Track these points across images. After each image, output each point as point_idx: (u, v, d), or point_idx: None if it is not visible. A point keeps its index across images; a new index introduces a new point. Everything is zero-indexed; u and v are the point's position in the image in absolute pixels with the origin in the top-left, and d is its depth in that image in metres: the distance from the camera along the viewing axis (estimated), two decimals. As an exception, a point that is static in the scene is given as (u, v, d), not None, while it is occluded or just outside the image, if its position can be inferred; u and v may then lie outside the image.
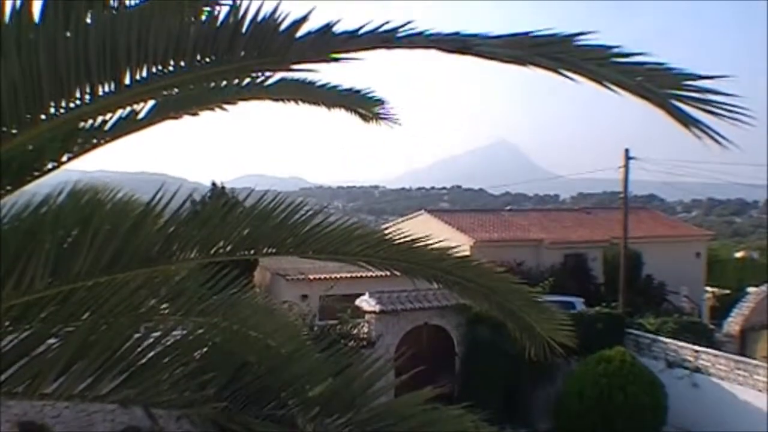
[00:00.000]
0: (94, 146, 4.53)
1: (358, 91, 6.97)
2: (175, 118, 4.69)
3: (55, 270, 4.31)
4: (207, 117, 5.00)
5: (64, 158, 4.53)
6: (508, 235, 36.70)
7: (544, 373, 23.00)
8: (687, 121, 2.68)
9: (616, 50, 2.95)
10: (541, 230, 37.90)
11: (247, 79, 4.69)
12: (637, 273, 33.44)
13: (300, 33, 3.30)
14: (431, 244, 5.59)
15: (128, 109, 4.24)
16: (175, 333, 5.04)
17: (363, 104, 7.31)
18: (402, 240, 5.49)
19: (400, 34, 3.14)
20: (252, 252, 5.05)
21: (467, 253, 6.29)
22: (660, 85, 2.79)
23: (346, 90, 6.66)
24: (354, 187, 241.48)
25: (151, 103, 4.37)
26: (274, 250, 5.12)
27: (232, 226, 4.86)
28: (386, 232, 5.67)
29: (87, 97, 3.60)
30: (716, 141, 2.61)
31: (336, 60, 3.32)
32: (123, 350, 4.48)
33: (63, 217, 4.56)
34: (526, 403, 24.01)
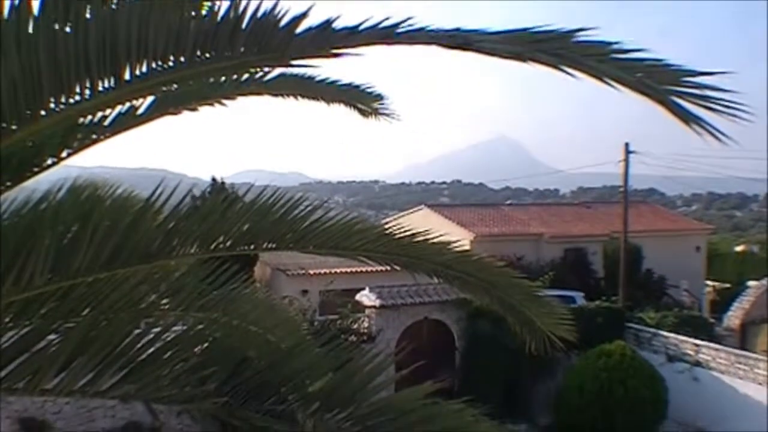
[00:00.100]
0: (94, 142, 4.53)
1: (357, 87, 6.97)
2: (175, 113, 4.69)
3: (55, 266, 4.31)
4: (206, 112, 5.01)
5: (64, 154, 4.53)
6: (508, 230, 36.72)
7: (544, 367, 23.02)
8: (687, 117, 2.68)
9: (615, 46, 2.95)
10: (541, 224, 37.91)
11: (246, 75, 4.69)
12: (637, 267, 33.47)
13: (300, 29, 3.29)
14: (431, 239, 5.60)
15: (128, 104, 4.24)
16: (175, 328, 5.04)
17: (362, 99, 7.31)
18: (402, 235, 5.49)
19: (400, 30, 3.14)
20: (252, 247, 5.05)
21: (467, 247, 6.30)
22: (660, 82, 2.79)
23: (345, 85, 6.66)
24: (354, 182, 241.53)
25: (150, 98, 4.36)
26: (274, 245, 5.12)
27: (232, 222, 4.86)
28: (386, 226, 5.67)
29: (87, 92, 3.59)
30: (716, 137, 2.62)
31: (336, 56, 3.32)
32: (123, 346, 4.48)
33: (63, 213, 4.56)
34: (526, 397, 24.04)
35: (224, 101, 4.87)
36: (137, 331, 4.71)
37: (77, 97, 3.61)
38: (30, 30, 3.41)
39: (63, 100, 3.62)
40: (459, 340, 24.42)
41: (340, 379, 4.65)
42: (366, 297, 23.61)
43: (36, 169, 4.52)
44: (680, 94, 2.73)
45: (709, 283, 38.60)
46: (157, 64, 3.49)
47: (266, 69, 4.51)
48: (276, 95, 5.85)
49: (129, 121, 4.42)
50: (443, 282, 6.22)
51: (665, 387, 22.00)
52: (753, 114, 2.63)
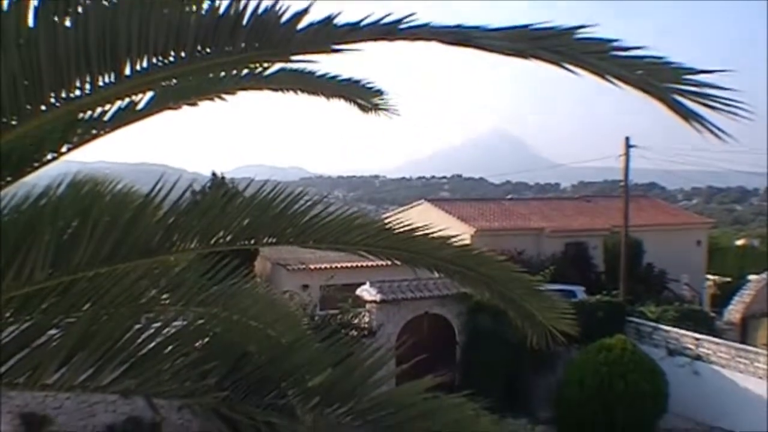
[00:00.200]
0: (94, 137, 4.53)
1: (357, 82, 6.96)
2: (175, 108, 4.69)
3: (56, 261, 4.31)
4: (206, 107, 5.01)
5: (64, 149, 4.53)
6: (509, 224, 36.70)
7: (544, 361, 23.05)
8: (687, 114, 2.69)
9: (615, 44, 2.96)
10: (541, 219, 37.89)
11: (246, 70, 4.69)
12: (637, 261, 33.45)
13: (301, 25, 3.29)
14: (432, 234, 5.59)
15: (128, 99, 4.24)
16: (175, 323, 5.04)
17: (362, 95, 7.31)
18: (402, 229, 5.49)
19: (401, 27, 3.14)
20: (252, 242, 5.05)
21: (468, 242, 6.29)
22: (660, 79, 2.80)
23: (345, 80, 6.65)
24: (354, 176, 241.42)
25: (150, 93, 4.36)
26: (274, 240, 5.12)
27: (232, 216, 4.86)
28: (386, 221, 5.67)
29: (87, 87, 3.59)
30: (716, 135, 2.62)
31: (337, 51, 3.32)
32: (124, 341, 4.48)
33: (63, 208, 4.56)
34: (526, 391, 24.08)
35: (224, 96, 4.87)
36: (138, 326, 4.71)
37: (77, 92, 3.61)
38: (30, 24, 3.41)
39: (63, 95, 3.62)
40: (459, 334, 24.45)
41: (340, 373, 4.66)
42: (366, 292, 23.63)
43: (36, 165, 4.52)
44: (681, 92, 2.74)
45: (709, 277, 38.62)
46: (157, 59, 3.49)
47: (266, 64, 4.51)
48: (276, 90, 5.86)
49: (129, 116, 4.42)
50: (444, 276, 6.22)
51: (666, 381, 22.01)
52: (753, 112, 2.64)
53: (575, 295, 27.02)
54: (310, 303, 23.21)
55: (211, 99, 4.89)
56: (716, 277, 38.37)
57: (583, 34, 2.97)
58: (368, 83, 7.12)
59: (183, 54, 3.45)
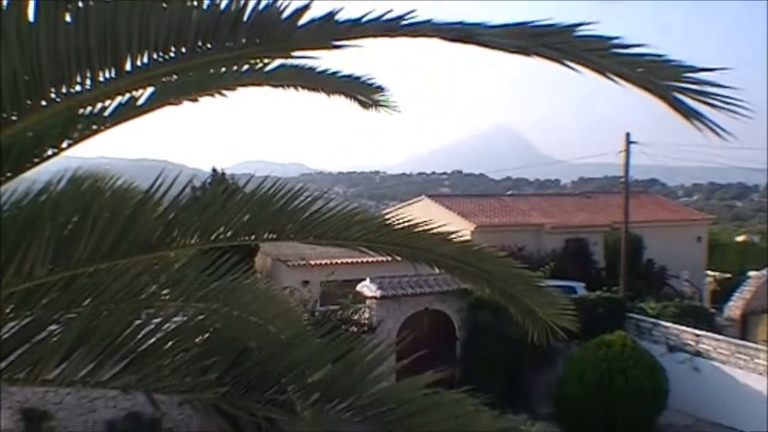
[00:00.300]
0: (95, 132, 4.52)
1: (357, 78, 6.95)
2: (175, 104, 4.69)
3: (56, 257, 4.31)
4: (207, 103, 5.00)
5: (64, 145, 4.52)
6: (509, 220, 36.72)
7: (544, 357, 23.06)
8: (687, 112, 2.69)
9: (616, 41, 2.96)
10: (542, 215, 37.90)
11: (247, 65, 4.69)
12: (638, 257, 33.48)
13: (302, 21, 3.29)
14: (432, 229, 5.60)
15: (128, 95, 4.24)
16: (176, 319, 5.05)
17: (363, 91, 7.29)
18: (403, 225, 5.49)
19: (403, 23, 3.14)
20: (252, 238, 5.06)
21: (468, 238, 6.30)
22: (661, 77, 2.80)
23: (345, 76, 6.64)
24: (354, 172, 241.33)
25: (151, 89, 4.36)
26: (274, 236, 5.13)
27: (233, 212, 4.86)
28: (387, 217, 5.68)
29: (87, 83, 3.59)
30: (716, 133, 2.63)
31: (338, 47, 3.32)
32: (124, 336, 4.49)
33: (63, 204, 4.57)
34: (527, 387, 24.09)
35: (225, 92, 4.87)
36: (138, 322, 4.72)
37: (78, 88, 3.61)
38: (30, 20, 3.41)
39: (63, 90, 3.62)
40: (460, 330, 24.46)
41: (340, 369, 4.66)
42: (367, 287, 23.64)
43: (36, 160, 4.52)
44: (681, 90, 2.74)
45: (709, 273, 38.62)
46: (158, 55, 3.49)
47: (267, 60, 4.51)
48: (276, 86, 5.85)
49: (129, 111, 4.41)
50: (444, 272, 6.22)
51: (666, 377, 22.01)
52: (752, 110, 2.65)
53: (575, 292, 27.04)
54: (310, 299, 23.20)
55: (212, 95, 4.88)
56: (716, 274, 38.36)
57: (583, 31, 2.97)
58: (369, 79, 7.12)
59: (184, 50, 3.45)
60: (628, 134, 31.55)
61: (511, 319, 6.68)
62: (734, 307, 29.21)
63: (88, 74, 3.55)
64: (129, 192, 5.30)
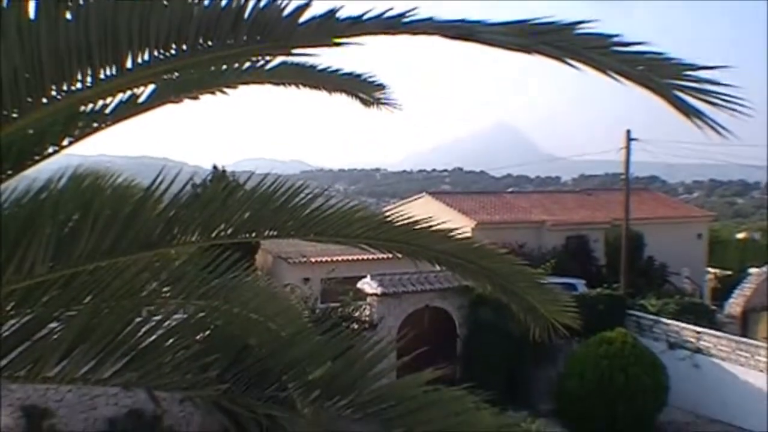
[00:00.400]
0: (95, 130, 4.52)
1: (359, 76, 6.96)
2: (176, 101, 4.69)
3: (56, 254, 4.32)
4: (208, 100, 5.01)
5: (65, 142, 4.53)
6: (510, 217, 36.68)
7: (545, 354, 23.07)
8: (688, 110, 2.69)
9: (616, 39, 2.96)
10: (542, 212, 37.87)
11: (248, 63, 4.69)
12: (638, 254, 33.45)
13: (303, 18, 3.29)
14: (433, 226, 5.60)
15: (129, 92, 4.24)
16: (176, 316, 5.05)
17: (364, 89, 7.30)
18: (403, 222, 5.49)
19: (404, 21, 3.14)
20: (253, 235, 5.06)
21: (469, 235, 6.30)
22: (661, 75, 2.81)
23: (347, 74, 6.64)
24: (355, 170, 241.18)
25: (151, 86, 4.36)
26: (275, 233, 5.13)
27: (233, 209, 4.86)
28: (387, 214, 5.67)
29: (88, 80, 3.59)
30: (716, 131, 2.63)
31: (339, 45, 3.32)
32: (125, 334, 4.49)
33: (64, 201, 4.57)
34: (527, 384, 24.09)
35: (225, 90, 4.87)
36: (138, 319, 4.72)
37: (79, 85, 3.61)
38: (31, 17, 3.41)
39: (64, 87, 3.62)
40: (460, 327, 24.48)
41: (341, 366, 4.66)
42: (367, 285, 23.64)
43: (37, 158, 4.52)
44: (681, 88, 2.74)
45: (710, 270, 38.62)
46: (159, 52, 3.49)
47: (268, 58, 4.51)
48: (277, 84, 5.85)
49: (130, 109, 4.42)
50: (445, 269, 6.22)
51: (666, 374, 22.03)
52: (752, 108, 2.65)
53: (576, 289, 27.02)
54: (311, 296, 23.21)
55: (213, 92, 4.89)
56: (717, 271, 38.38)
57: (584, 29, 2.97)
58: (370, 77, 7.11)
59: (184, 47, 3.45)
60: (628, 131, 31.56)
61: (512, 317, 6.68)
62: (735, 304, 29.22)
63: (89, 71, 3.55)
64: (129, 189, 5.30)
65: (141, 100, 4.40)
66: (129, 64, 3.52)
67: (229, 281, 5.86)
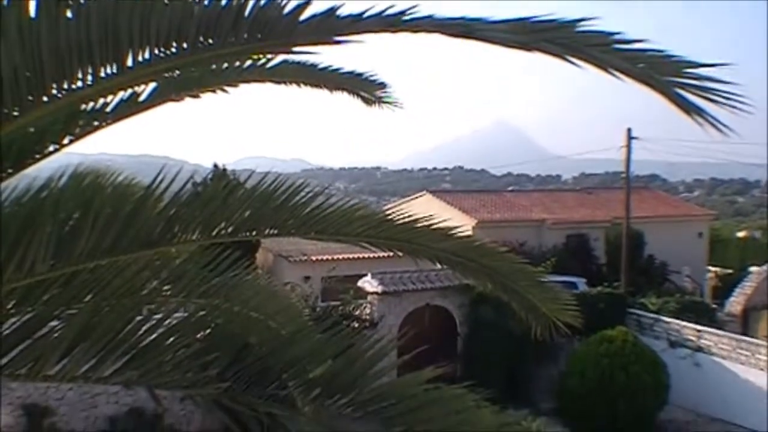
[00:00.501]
0: (96, 128, 4.52)
1: (360, 75, 6.96)
2: (177, 100, 4.69)
3: (57, 253, 4.32)
4: (209, 99, 5.01)
5: (66, 141, 4.53)
6: (511, 216, 36.68)
7: (546, 353, 23.07)
8: (688, 107, 2.69)
9: (617, 37, 2.96)
10: (543, 210, 37.87)
11: (249, 61, 4.69)
12: (639, 253, 33.44)
13: (304, 16, 3.29)
14: (433, 225, 5.59)
15: (130, 91, 4.24)
16: (177, 315, 5.05)
17: (365, 88, 7.30)
18: (404, 220, 5.49)
19: (405, 18, 3.13)
20: (253, 233, 5.06)
21: (469, 233, 6.30)
22: (662, 72, 2.80)
23: (348, 73, 6.65)
24: (356, 168, 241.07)
25: (152, 85, 4.36)
26: (275, 231, 5.13)
27: (234, 208, 4.86)
28: (388, 212, 5.67)
29: (89, 78, 3.59)
30: (716, 128, 2.63)
31: (340, 43, 3.32)
32: (125, 332, 4.49)
33: (64, 200, 4.56)
34: (528, 382, 24.10)
35: (226, 88, 4.87)
36: (139, 318, 4.72)
37: (79, 83, 3.61)
38: (31, 15, 3.41)
39: (65, 86, 3.62)
40: (461, 326, 24.49)
41: (341, 365, 4.66)
42: (368, 283, 23.65)
43: (37, 156, 4.52)
44: (682, 85, 2.74)
45: (711, 268, 38.61)
46: (159, 51, 3.49)
47: (269, 56, 4.51)
48: (279, 82, 5.85)
49: (131, 107, 4.42)
50: (446, 268, 6.22)
51: (667, 373, 22.03)
52: (752, 105, 2.65)
53: (576, 287, 27.02)
54: (311, 294, 23.21)
55: (214, 91, 4.89)
56: (717, 269, 38.37)
57: (585, 27, 2.97)
58: (372, 76, 7.11)
59: (185, 45, 3.45)
60: (629, 130, 31.54)
61: (513, 315, 6.69)
62: (735, 303, 29.22)
63: (90, 70, 3.55)
64: (130, 188, 5.30)
65: (142, 98, 4.40)
66: (130, 62, 3.52)
67: (230, 280, 5.86)
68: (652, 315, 25.40)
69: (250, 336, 5.34)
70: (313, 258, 30.36)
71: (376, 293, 23.27)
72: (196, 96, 4.82)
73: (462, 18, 3.08)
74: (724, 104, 2.65)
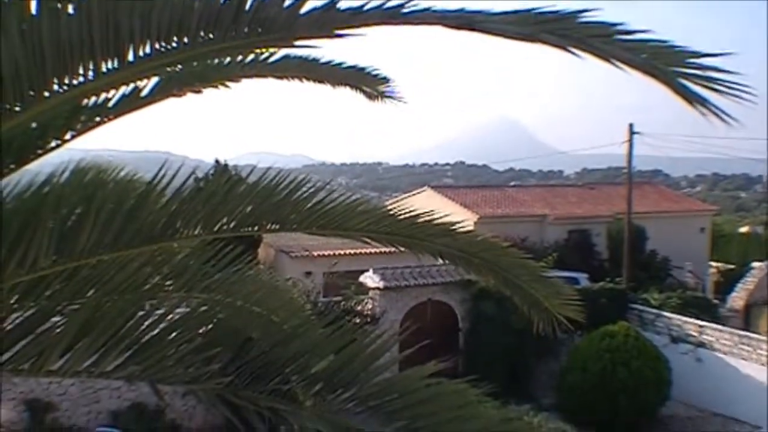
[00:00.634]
0: (98, 124, 4.52)
1: (362, 69, 6.95)
2: (179, 95, 4.69)
3: (59, 248, 4.32)
4: (210, 94, 5.00)
5: (68, 136, 4.52)
6: (512, 211, 36.68)
7: (548, 348, 23.10)
8: (692, 98, 2.68)
9: (620, 27, 2.95)
10: (545, 206, 37.86)
11: (251, 56, 4.69)
12: (641, 248, 33.47)
13: (304, 9, 3.29)
14: (435, 220, 5.59)
15: (131, 86, 4.24)
16: (179, 310, 5.05)
17: (368, 82, 7.29)
18: (405, 215, 5.49)
19: (405, 10, 3.13)
20: (255, 228, 5.06)
21: (471, 228, 6.29)
22: (665, 63, 2.79)
23: (350, 67, 6.64)
24: (357, 163, 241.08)
25: (154, 80, 4.36)
26: (277, 227, 5.13)
27: (236, 203, 4.86)
28: (390, 208, 5.67)
29: (90, 73, 3.59)
30: (721, 118, 2.62)
31: (340, 36, 3.31)
32: (128, 327, 4.49)
33: (66, 195, 4.57)
34: (530, 378, 24.12)
35: (228, 83, 4.86)
36: (141, 313, 4.72)
37: (81, 78, 3.61)
38: (33, 10, 3.41)
39: (66, 81, 3.62)
40: (463, 321, 24.50)
41: (343, 360, 4.66)
42: (369, 278, 23.67)
43: (39, 152, 4.52)
44: (685, 76, 2.73)
45: (713, 264, 38.60)
46: (160, 45, 3.48)
47: (271, 51, 4.50)
48: (280, 77, 5.84)
49: (133, 102, 4.42)
50: (448, 263, 6.22)
51: (669, 368, 22.05)
52: (756, 95, 2.64)
53: (578, 282, 27.02)
54: (313, 290, 23.22)
55: (215, 86, 4.89)
56: (720, 264, 38.35)
57: (587, 17, 2.96)
58: (374, 71, 7.11)
59: (186, 39, 3.45)
60: (631, 125, 31.51)
61: (514, 310, 6.68)
62: (737, 298, 29.23)
63: (91, 64, 3.55)
64: (132, 183, 5.30)
65: (144, 93, 4.40)
66: (131, 56, 3.52)
67: (232, 275, 5.86)
68: (653, 310, 25.41)
69: (253, 331, 5.34)
70: (315, 253, 30.36)
71: (378, 289, 23.29)
72: (197, 91, 4.82)
73: (462, 10, 3.07)
74: (728, 94, 2.64)
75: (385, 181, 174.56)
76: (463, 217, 25.51)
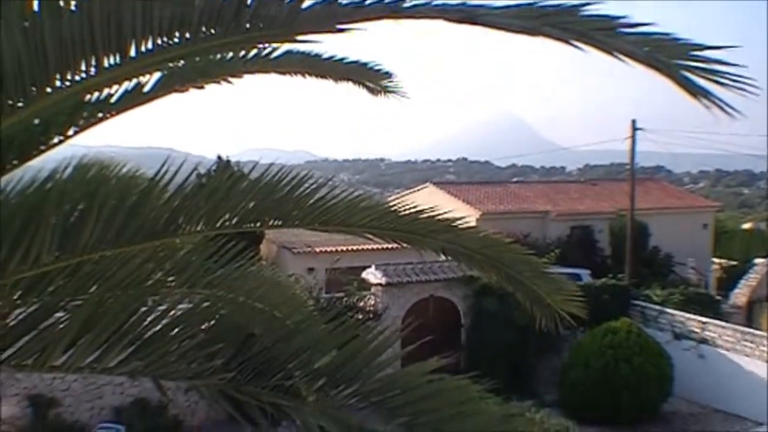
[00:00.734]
0: (100, 120, 4.53)
1: (365, 64, 6.94)
2: (181, 91, 4.69)
3: (62, 244, 4.32)
4: (213, 90, 5.00)
5: (70, 132, 4.53)
6: (514, 207, 36.66)
7: (550, 344, 23.10)
8: (696, 91, 2.67)
9: (623, 20, 2.94)
10: (547, 202, 37.83)
11: (253, 52, 4.68)
12: (643, 244, 33.45)
13: (305, 4, 3.28)
14: (437, 216, 5.59)
15: (134, 81, 4.24)
16: (181, 306, 5.06)
17: (371, 77, 7.29)
18: (408, 211, 5.48)
19: (406, 5, 3.12)
20: (258, 224, 5.05)
21: (473, 225, 6.29)
22: (668, 56, 2.78)
23: (353, 63, 6.63)
24: (359, 159, 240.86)
25: (156, 75, 4.36)
26: (279, 223, 5.12)
27: (238, 199, 4.86)
28: (392, 203, 5.67)
29: (92, 69, 3.59)
30: (725, 111, 2.61)
31: (341, 31, 3.31)
32: (130, 323, 4.49)
33: (69, 191, 4.57)
34: (532, 374, 24.12)
35: (230, 79, 4.86)
36: (144, 309, 4.72)
37: (83, 74, 3.61)
38: (35, 6, 3.41)
39: (69, 77, 3.61)
40: (465, 317, 24.51)
41: (345, 355, 4.66)
42: (372, 274, 23.68)
43: (42, 148, 4.52)
44: (689, 68, 2.72)
45: (715, 260, 38.57)
46: (162, 40, 3.48)
47: (273, 46, 4.50)
48: (283, 73, 5.84)
49: (135, 98, 4.42)
50: (450, 259, 6.22)
51: (671, 364, 22.05)
52: (759, 88, 2.63)
53: (580, 279, 27.00)
54: (315, 286, 23.24)
55: (218, 82, 4.88)
56: (722, 261, 38.33)
57: (589, 11, 2.95)
58: (377, 66, 7.10)
59: (188, 35, 3.45)
60: (633, 121, 31.50)
61: (517, 306, 6.69)
62: (740, 295, 29.23)
63: (93, 60, 3.55)
64: (134, 179, 5.31)
65: (146, 89, 4.40)
66: (133, 52, 3.51)
67: (234, 271, 5.86)
68: (656, 307, 25.40)
69: (255, 327, 5.35)
70: (317, 249, 30.39)
71: (380, 285, 23.30)
72: (200, 87, 4.81)
73: (464, 3, 3.06)
74: (732, 86, 2.62)
75: (387, 178, 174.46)
76: (465, 213, 25.48)
